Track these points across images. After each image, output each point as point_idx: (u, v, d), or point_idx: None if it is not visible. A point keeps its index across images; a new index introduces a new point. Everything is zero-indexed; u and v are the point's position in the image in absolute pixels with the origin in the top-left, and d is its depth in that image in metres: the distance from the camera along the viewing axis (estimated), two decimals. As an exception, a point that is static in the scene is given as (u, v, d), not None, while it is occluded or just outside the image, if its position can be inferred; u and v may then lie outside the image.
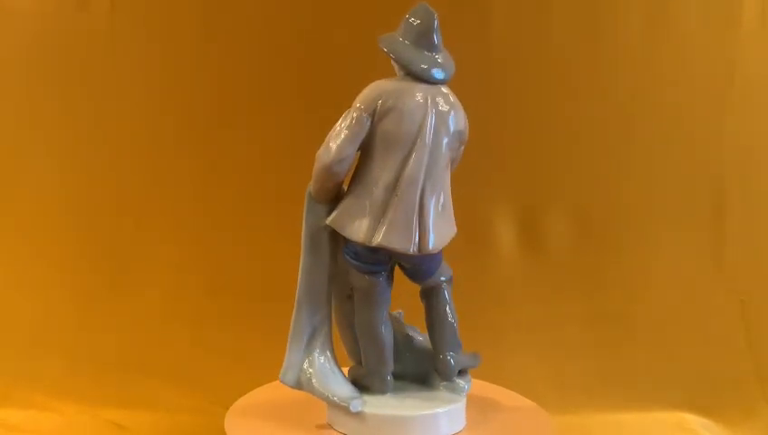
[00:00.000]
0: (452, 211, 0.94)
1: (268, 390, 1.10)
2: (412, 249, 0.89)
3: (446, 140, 0.91)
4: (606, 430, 1.40)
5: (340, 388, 0.96)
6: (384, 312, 0.98)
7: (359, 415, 0.94)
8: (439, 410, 0.96)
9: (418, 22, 0.92)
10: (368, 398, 0.96)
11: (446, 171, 0.92)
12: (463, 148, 0.96)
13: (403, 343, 1.03)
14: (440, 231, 0.91)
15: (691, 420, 1.44)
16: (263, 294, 1.44)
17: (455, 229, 0.94)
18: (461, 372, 0.99)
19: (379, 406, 0.95)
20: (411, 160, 0.89)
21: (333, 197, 0.93)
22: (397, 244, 0.89)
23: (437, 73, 0.92)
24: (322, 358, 0.97)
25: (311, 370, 0.96)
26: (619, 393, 1.45)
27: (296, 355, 0.97)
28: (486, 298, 1.46)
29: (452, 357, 0.97)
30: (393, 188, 0.89)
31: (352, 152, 0.90)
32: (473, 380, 1.01)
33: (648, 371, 1.47)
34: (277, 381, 1.11)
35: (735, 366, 1.49)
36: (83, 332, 1.46)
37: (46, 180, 1.49)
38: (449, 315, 0.98)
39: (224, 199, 1.48)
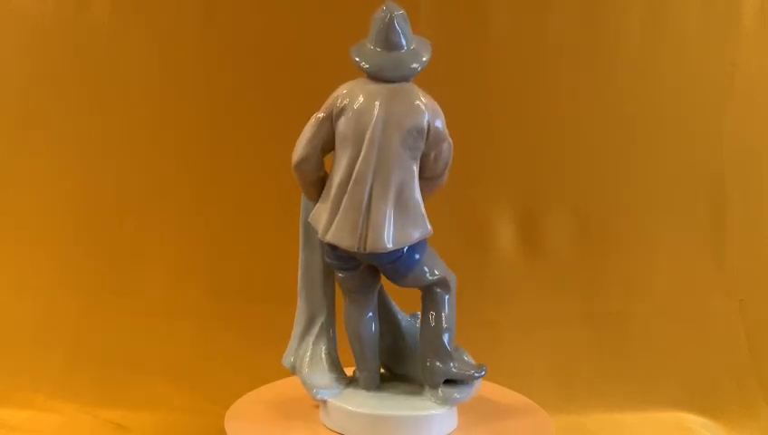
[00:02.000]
0: (420, 210, 0.92)
1: (268, 390, 1.10)
2: (357, 247, 0.90)
3: (398, 139, 0.90)
4: (606, 429, 1.40)
5: (320, 376, 0.98)
6: (364, 310, 0.99)
7: (343, 412, 0.95)
8: (420, 412, 0.95)
9: (377, 22, 0.93)
10: (358, 394, 0.98)
11: (404, 170, 0.91)
12: (444, 145, 0.93)
13: (410, 344, 1.03)
14: (395, 230, 0.90)
15: (691, 419, 1.44)
16: (262, 295, 1.44)
17: (425, 229, 0.92)
18: (451, 382, 0.97)
19: (362, 404, 0.96)
20: (360, 159, 0.90)
21: (318, 194, 0.96)
22: (343, 241, 0.91)
23: (390, 72, 0.92)
24: (316, 346, 1.00)
25: (303, 355, 1.00)
26: (619, 393, 1.45)
27: (295, 341, 1.01)
28: (486, 298, 1.46)
29: (437, 364, 0.96)
30: (345, 186, 0.91)
31: (312, 152, 0.94)
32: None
33: (648, 370, 1.47)
34: (277, 381, 1.13)
35: (735, 366, 1.49)
36: (83, 332, 1.46)
37: (46, 180, 1.49)
38: (436, 321, 0.96)
39: (224, 200, 1.48)
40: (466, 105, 1.46)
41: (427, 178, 0.94)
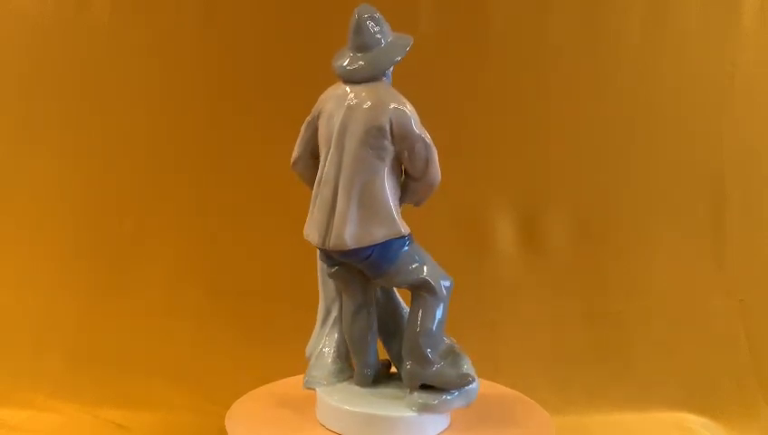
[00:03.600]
0: (388, 210, 0.92)
1: (268, 389, 1.10)
2: (322, 244, 0.93)
3: (358, 139, 0.91)
4: (606, 430, 1.40)
5: (321, 368, 1.02)
6: (354, 307, 0.99)
7: (327, 407, 0.97)
8: (396, 413, 0.94)
9: (350, 25, 0.95)
10: (349, 390, 1.00)
11: (369, 170, 0.91)
12: (418, 144, 0.92)
13: None
14: (358, 229, 0.91)
15: (691, 419, 1.44)
16: (263, 295, 1.44)
17: (393, 229, 0.92)
18: (431, 388, 0.95)
19: (345, 400, 0.97)
20: (328, 160, 0.93)
21: None
22: (312, 238, 0.94)
23: (357, 74, 0.94)
24: (329, 338, 1.04)
25: (316, 346, 1.04)
26: (619, 393, 1.45)
27: (315, 332, 1.06)
28: (486, 298, 1.46)
29: (414, 368, 0.95)
30: (318, 186, 0.95)
31: (303, 154, 0.98)
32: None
33: (647, 371, 1.47)
34: (277, 381, 1.13)
35: (735, 366, 1.49)
36: (83, 332, 1.46)
37: (46, 180, 1.49)
38: (419, 324, 0.95)
39: (224, 199, 1.48)
40: (466, 105, 1.46)
41: (414, 180, 0.95)
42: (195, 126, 1.48)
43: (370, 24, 0.94)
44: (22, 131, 1.49)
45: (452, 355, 0.97)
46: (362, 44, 0.94)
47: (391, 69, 0.96)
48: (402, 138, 0.92)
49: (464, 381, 0.95)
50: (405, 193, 0.96)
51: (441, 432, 0.97)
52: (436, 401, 0.95)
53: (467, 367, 0.97)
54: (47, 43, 1.47)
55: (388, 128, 0.91)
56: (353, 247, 0.92)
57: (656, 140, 1.49)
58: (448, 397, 0.95)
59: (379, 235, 0.92)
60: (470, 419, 0.99)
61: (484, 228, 1.50)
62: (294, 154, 0.99)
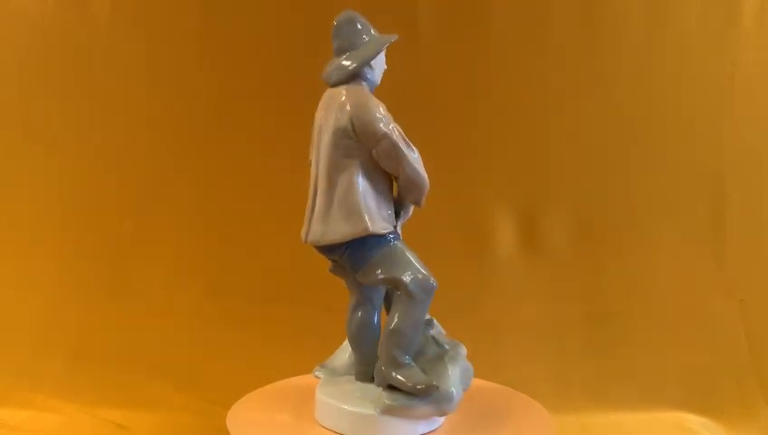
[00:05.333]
0: (357, 208, 0.92)
1: (268, 390, 1.10)
2: (304, 240, 0.96)
3: (327, 140, 0.94)
4: (606, 429, 1.40)
5: (339, 358, 1.05)
6: (354, 302, 1.01)
7: (318, 401, 0.98)
8: (371, 411, 0.93)
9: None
10: (346, 385, 1.00)
11: (339, 169, 0.93)
12: (384, 142, 0.92)
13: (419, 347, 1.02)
14: (328, 226, 0.93)
15: (691, 419, 1.44)
16: (263, 295, 1.44)
17: (360, 227, 0.92)
18: (396, 388, 0.93)
19: (334, 395, 0.98)
20: (312, 160, 0.97)
21: None
22: (301, 234, 0.97)
23: (329, 76, 0.97)
24: None
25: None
26: (618, 393, 1.45)
27: None
28: (486, 298, 1.47)
29: (381, 368, 0.95)
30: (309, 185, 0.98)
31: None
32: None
33: (647, 371, 1.47)
34: (277, 382, 1.12)
35: (735, 366, 1.49)
36: (83, 332, 1.46)
37: (47, 181, 1.49)
38: (388, 323, 0.94)
39: (224, 200, 1.48)
40: (466, 105, 1.46)
41: (395, 178, 0.96)
42: (195, 126, 1.48)
43: (347, 28, 0.96)
44: (22, 131, 1.49)
45: (435, 362, 0.95)
46: (340, 48, 0.96)
47: (375, 70, 0.97)
48: (366, 137, 0.93)
49: (425, 390, 0.92)
50: (402, 193, 0.97)
51: (437, 429, 0.97)
52: (397, 404, 0.93)
53: (447, 376, 0.93)
54: (47, 43, 1.47)
55: (350, 128, 0.93)
56: (324, 244, 0.94)
57: (656, 140, 1.49)
58: (415, 402, 0.92)
59: (346, 232, 0.93)
60: (470, 417, 0.99)
61: (484, 228, 1.50)
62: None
